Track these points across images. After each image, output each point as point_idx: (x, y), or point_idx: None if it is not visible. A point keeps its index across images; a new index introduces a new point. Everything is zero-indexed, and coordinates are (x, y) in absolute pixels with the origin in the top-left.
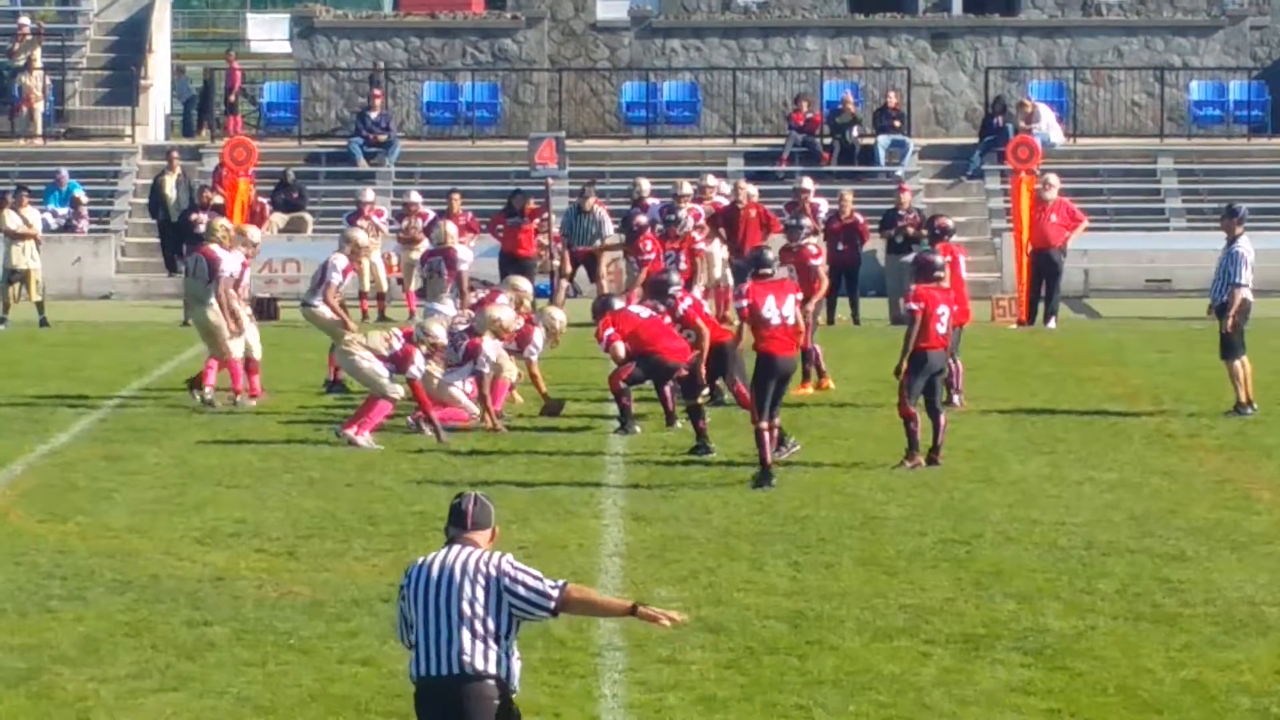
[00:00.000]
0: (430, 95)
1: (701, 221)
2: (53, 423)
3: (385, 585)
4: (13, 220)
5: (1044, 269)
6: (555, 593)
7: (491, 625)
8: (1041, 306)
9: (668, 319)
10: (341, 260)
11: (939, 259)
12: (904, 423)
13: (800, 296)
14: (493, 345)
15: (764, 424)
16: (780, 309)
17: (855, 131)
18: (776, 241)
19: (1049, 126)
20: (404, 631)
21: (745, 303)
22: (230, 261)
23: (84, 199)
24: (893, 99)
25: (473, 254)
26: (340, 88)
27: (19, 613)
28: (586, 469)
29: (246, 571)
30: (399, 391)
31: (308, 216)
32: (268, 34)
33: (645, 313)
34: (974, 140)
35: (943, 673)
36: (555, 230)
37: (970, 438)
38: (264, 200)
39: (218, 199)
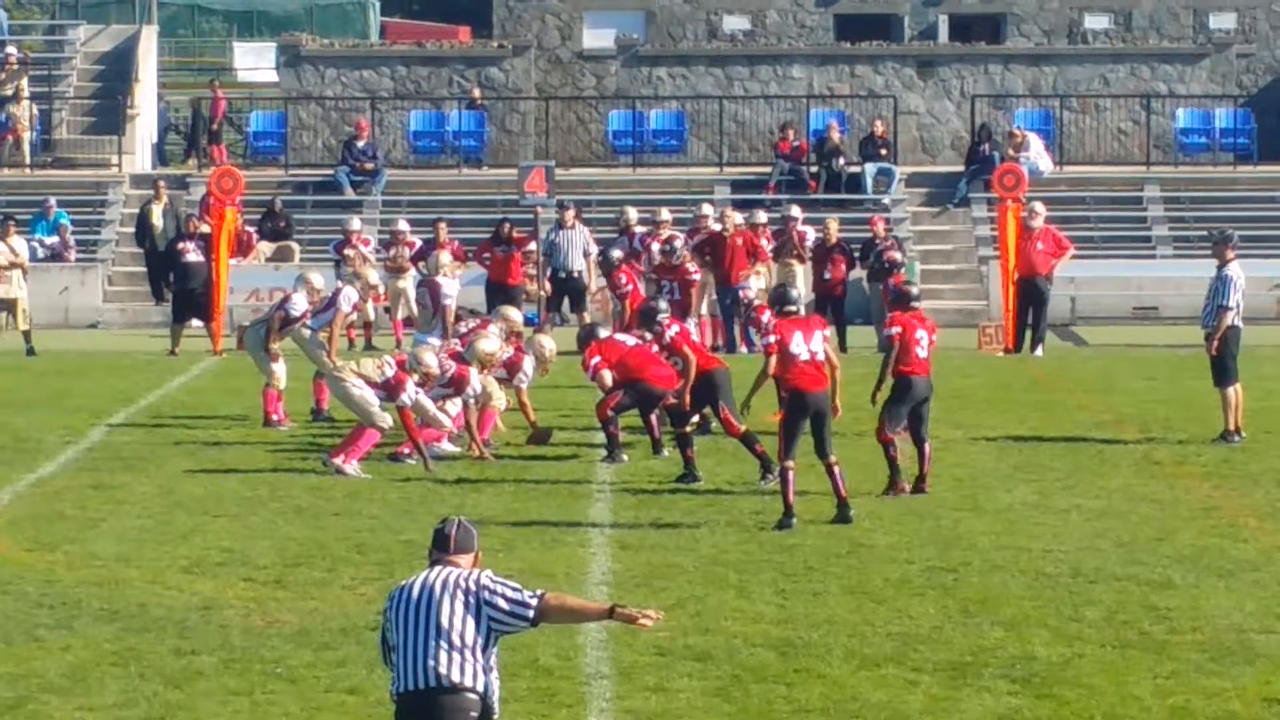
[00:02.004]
0: (417, 124)
1: (682, 247)
2: (40, 451)
3: (373, 614)
4: None
5: (1030, 297)
6: (534, 602)
7: (470, 639)
8: (1028, 334)
9: (654, 347)
10: (354, 295)
11: (914, 289)
12: (883, 449)
13: (828, 333)
14: (478, 377)
15: (790, 463)
16: (809, 344)
17: (841, 160)
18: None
19: (1037, 155)
20: (386, 654)
21: (773, 339)
22: None
23: (70, 228)
24: (879, 127)
25: (458, 285)
26: (327, 116)
27: (6, 641)
28: (574, 498)
29: (234, 600)
30: (388, 421)
31: (295, 245)
32: (254, 63)
33: (631, 341)
34: (960, 168)
35: (930, 701)
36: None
37: (957, 466)
38: (251, 229)
39: (204, 228)
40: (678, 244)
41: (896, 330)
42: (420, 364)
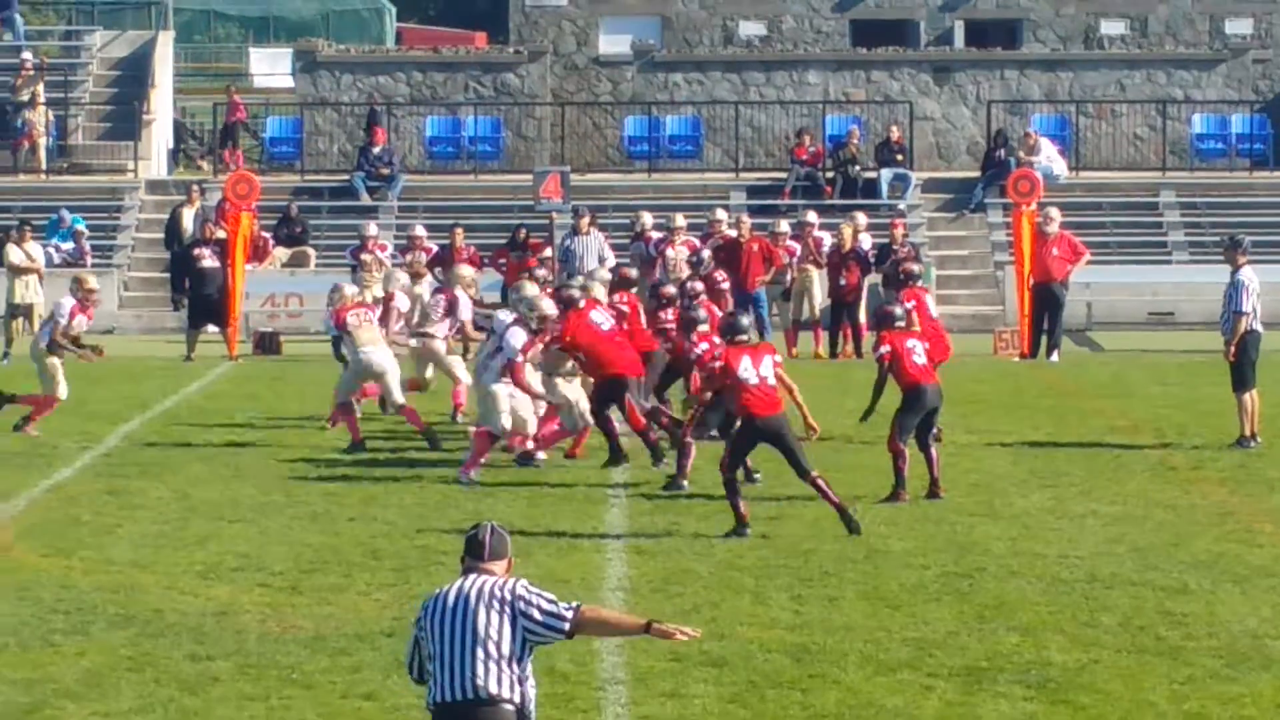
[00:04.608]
0: (432, 129)
1: (709, 258)
2: (56, 457)
3: (388, 619)
4: (16, 255)
5: (1046, 302)
6: (570, 614)
7: (506, 650)
8: (1044, 339)
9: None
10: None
11: (897, 309)
12: (892, 458)
13: (779, 359)
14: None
15: (732, 474)
16: (757, 369)
17: (857, 166)
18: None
19: (1049, 159)
20: (412, 662)
21: (719, 364)
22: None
23: (86, 233)
24: (895, 133)
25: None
26: (343, 122)
27: (21, 647)
28: (589, 503)
29: (249, 606)
30: (508, 423)
31: (310, 251)
32: (270, 68)
33: (607, 325)
34: (976, 174)
35: (945, 706)
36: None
37: (972, 471)
38: (267, 235)
39: (220, 233)
40: (705, 254)
41: (885, 350)
42: (535, 309)
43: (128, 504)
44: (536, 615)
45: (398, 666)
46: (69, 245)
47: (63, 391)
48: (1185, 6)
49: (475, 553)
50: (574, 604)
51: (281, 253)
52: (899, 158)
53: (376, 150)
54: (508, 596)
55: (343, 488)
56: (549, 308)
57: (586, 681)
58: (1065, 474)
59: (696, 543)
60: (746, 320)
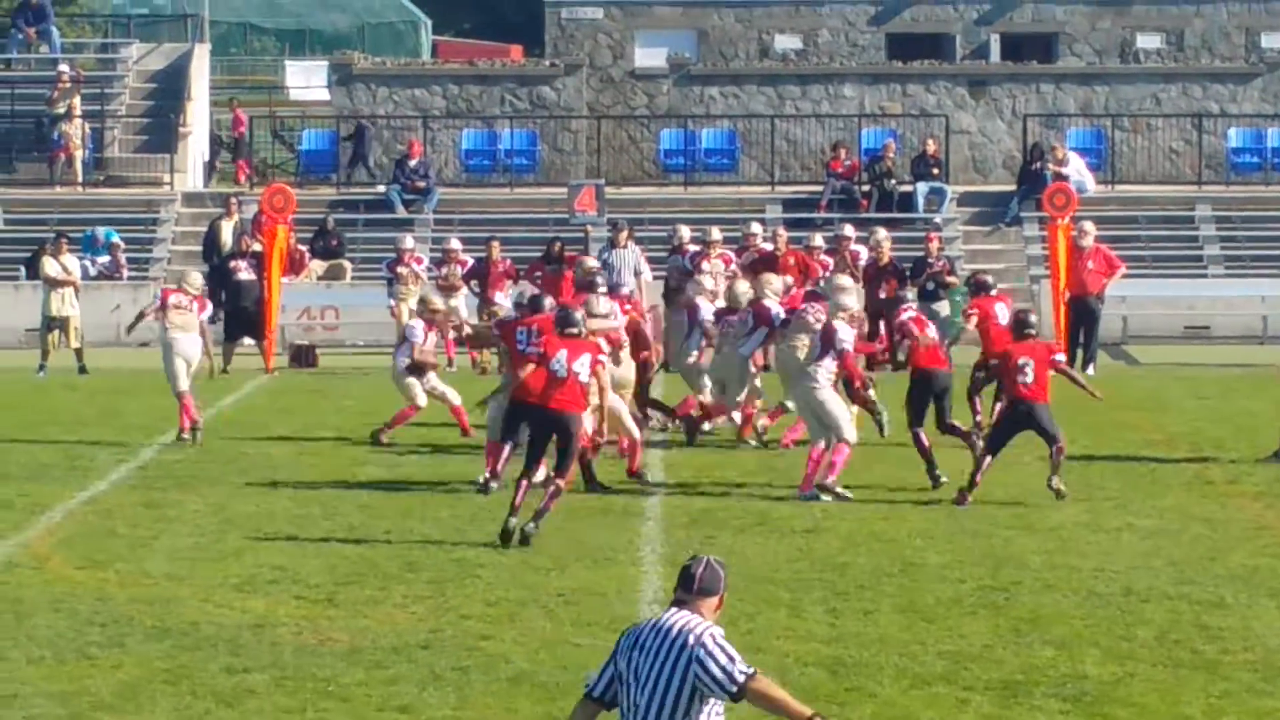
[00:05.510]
0: (468, 143)
1: (734, 268)
2: (92, 469)
3: (425, 632)
4: (52, 268)
5: (1082, 316)
6: (741, 679)
7: (671, 700)
8: (1079, 353)
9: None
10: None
11: (989, 278)
12: (976, 458)
13: (602, 358)
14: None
15: (526, 476)
16: (570, 364)
17: (892, 179)
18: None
19: (1079, 173)
20: (599, 679)
21: (538, 351)
22: None
23: (122, 245)
24: (931, 146)
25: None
26: (379, 135)
27: (58, 659)
28: (625, 516)
29: (285, 618)
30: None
31: (346, 264)
32: (306, 81)
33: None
34: (1012, 187)
35: None
36: None
37: (1009, 484)
38: (303, 248)
39: (257, 246)
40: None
41: (974, 313)
42: (843, 308)
43: (164, 517)
44: (711, 668)
45: (434, 679)
46: (105, 258)
47: (422, 400)
48: (1221, 20)
49: (685, 585)
50: (751, 670)
51: (318, 265)
52: (935, 171)
53: (413, 163)
54: (691, 642)
55: (378, 501)
56: (853, 302)
57: None
58: (1101, 488)
59: (731, 556)
60: (578, 315)
